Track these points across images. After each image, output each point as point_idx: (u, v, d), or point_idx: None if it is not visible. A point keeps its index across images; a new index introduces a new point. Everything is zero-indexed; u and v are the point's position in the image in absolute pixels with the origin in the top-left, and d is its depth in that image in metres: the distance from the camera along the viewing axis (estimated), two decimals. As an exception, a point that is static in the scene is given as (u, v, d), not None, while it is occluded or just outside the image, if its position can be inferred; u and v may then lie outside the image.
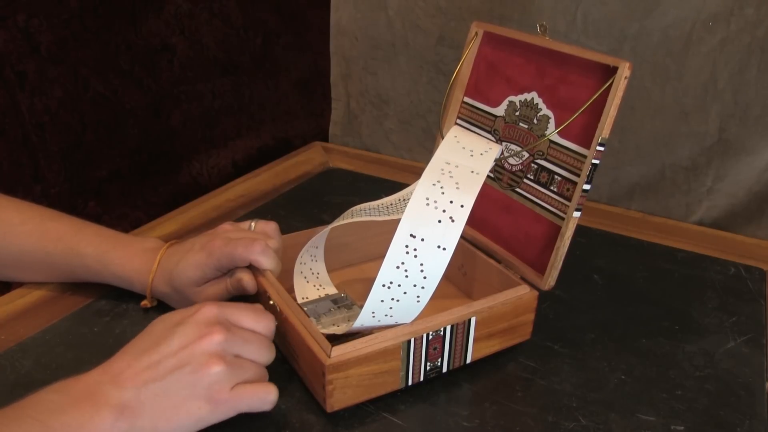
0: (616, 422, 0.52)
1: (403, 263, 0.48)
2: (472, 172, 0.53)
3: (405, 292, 0.49)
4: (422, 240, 0.48)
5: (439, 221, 0.49)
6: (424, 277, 0.49)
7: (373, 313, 0.49)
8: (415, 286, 0.49)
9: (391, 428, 0.50)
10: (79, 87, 0.74)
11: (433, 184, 0.51)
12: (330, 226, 0.62)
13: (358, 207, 0.61)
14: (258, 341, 0.49)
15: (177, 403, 0.44)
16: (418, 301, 0.49)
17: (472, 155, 0.55)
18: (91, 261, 0.61)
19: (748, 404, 0.54)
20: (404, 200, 0.59)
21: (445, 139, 0.58)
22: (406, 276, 0.48)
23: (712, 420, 0.52)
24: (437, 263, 0.49)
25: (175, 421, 0.44)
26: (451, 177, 0.52)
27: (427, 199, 0.50)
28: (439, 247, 0.49)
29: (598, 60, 0.54)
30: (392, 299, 0.49)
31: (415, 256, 0.48)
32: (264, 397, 0.47)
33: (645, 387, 0.56)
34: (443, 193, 0.50)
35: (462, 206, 0.50)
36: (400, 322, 0.51)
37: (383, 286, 0.48)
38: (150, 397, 0.44)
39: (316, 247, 0.65)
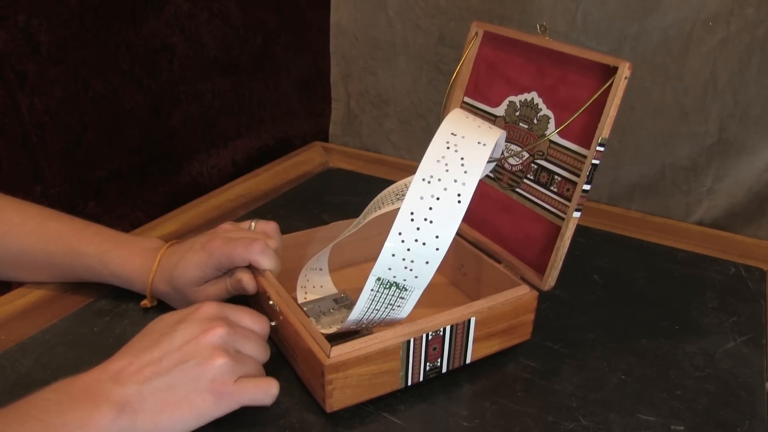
0: (616, 422, 0.52)
1: (443, 157, 0.49)
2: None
3: (445, 188, 0.48)
4: (463, 137, 0.50)
5: (479, 126, 0.52)
6: (465, 172, 0.49)
7: (411, 213, 0.48)
8: (455, 181, 0.48)
9: (391, 428, 0.50)
10: (79, 87, 0.74)
11: (466, 116, 0.54)
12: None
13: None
14: (257, 338, 0.50)
15: (181, 396, 0.45)
16: (459, 202, 0.49)
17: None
18: (92, 260, 0.61)
19: (748, 404, 0.54)
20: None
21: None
22: (447, 170, 0.49)
23: (712, 420, 0.52)
24: (477, 157, 0.49)
25: (178, 415, 0.44)
26: (475, 119, 0.55)
27: (466, 115, 0.54)
28: (479, 143, 0.50)
29: (598, 60, 0.54)
30: (432, 196, 0.48)
31: (456, 151, 0.49)
32: (266, 390, 0.48)
33: (645, 387, 0.56)
34: (477, 117, 0.54)
35: (496, 126, 0.53)
36: (440, 238, 0.49)
37: (423, 180, 0.48)
38: (153, 393, 0.44)
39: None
